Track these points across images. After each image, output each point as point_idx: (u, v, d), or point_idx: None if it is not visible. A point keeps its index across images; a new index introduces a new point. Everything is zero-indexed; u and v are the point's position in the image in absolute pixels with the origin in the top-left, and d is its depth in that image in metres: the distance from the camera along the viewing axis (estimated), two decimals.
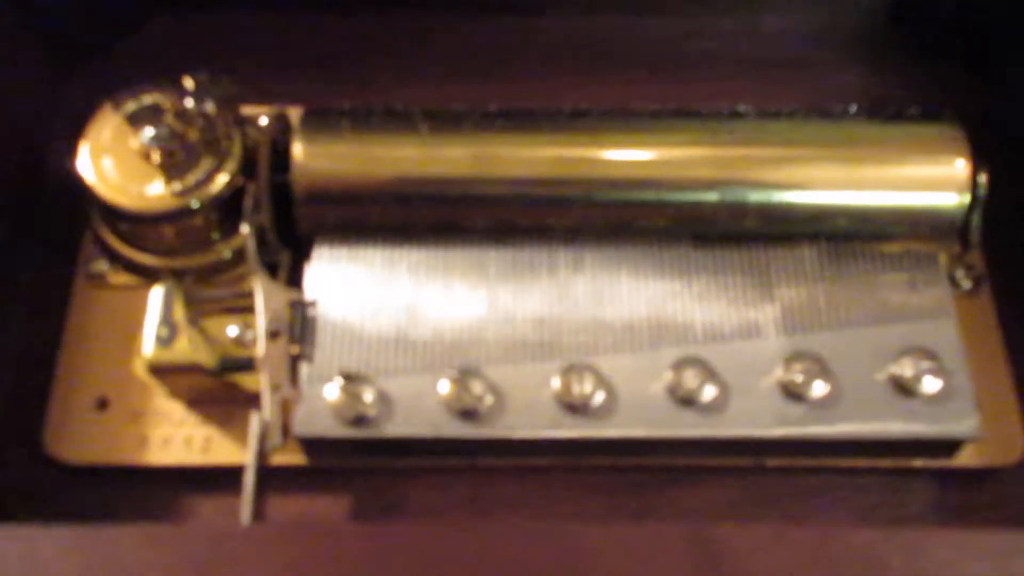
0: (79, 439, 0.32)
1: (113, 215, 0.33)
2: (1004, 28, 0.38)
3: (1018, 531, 0.24)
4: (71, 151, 0.35)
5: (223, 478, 0.32)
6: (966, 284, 0.35)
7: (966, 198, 0.33)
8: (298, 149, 0.33)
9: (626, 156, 0.33)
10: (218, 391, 0.32)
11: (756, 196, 0.33)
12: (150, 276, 0.34)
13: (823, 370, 0.31)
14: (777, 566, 0.23)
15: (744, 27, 0.41)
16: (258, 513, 0.30)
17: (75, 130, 0.36)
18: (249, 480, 0.29)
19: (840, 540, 0.24)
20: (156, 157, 0.32)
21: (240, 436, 0.32)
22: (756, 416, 0.31)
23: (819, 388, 0.31)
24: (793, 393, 0.31)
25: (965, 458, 0.32)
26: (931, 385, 0.31)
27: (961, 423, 0.31)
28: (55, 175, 0.37)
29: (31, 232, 0.36)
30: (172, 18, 0.41)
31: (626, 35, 0.41)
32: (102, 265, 0.34)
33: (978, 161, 0.33)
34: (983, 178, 0.33)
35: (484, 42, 0.41)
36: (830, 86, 0.40)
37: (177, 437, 0.32)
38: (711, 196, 0.33)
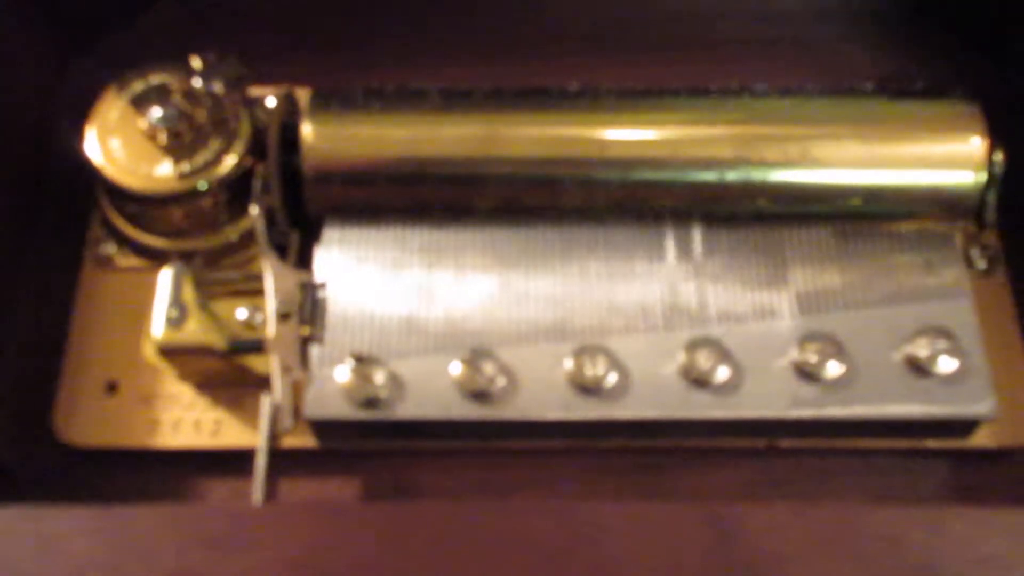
0: (89, 422, 0.32)
1: (121, 197, 0.33)
2: (1013, 6, 0.38)
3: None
4: (77, 133, 0.35)
5: (233, 461, 0.32)
6: (981, 264, 0.35)
7: (982, 176, 0.33)
8: (307, 130, 0.33)
9: (637, 135, 0.33)
10: (228, 373, 0.32)
11: (768, 175, 0.33)
12: (158, 258, 0.34)
13: (838, 351, 0.31)
14: (794, 545, 0.23)
15: (753, 5, 0.41)
16: (269, 495, 0.30)
17: (80, 111, 0.36)
18: (261, 462, 0.30)
19: (858, 518, 0.24)
20: (163, 138, 0.33)
21: (250, 419, 0.32)
22: (770, 397, 0.31)
23: (834, 369, 0.31)
24: (807, 374, 0.31)
25: (980, 438, 0.32)
26: (947, 365, 0.31)
27: (977, 403, 0.31)
28: (61, 157, 0.37)
29: (38, 214, 0.36)
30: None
31: (634, 14, 0.41)
32: (110, 248, 0.34)
33: (994, 139, 0.33)
34: (999, 156, 0.33)
35: (489, 21, 0.41)
36: (839, 64, 0.40)
37: (187, 420, 0.32)
38: (723, 175, 0.33)
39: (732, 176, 0.33)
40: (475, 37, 0.40)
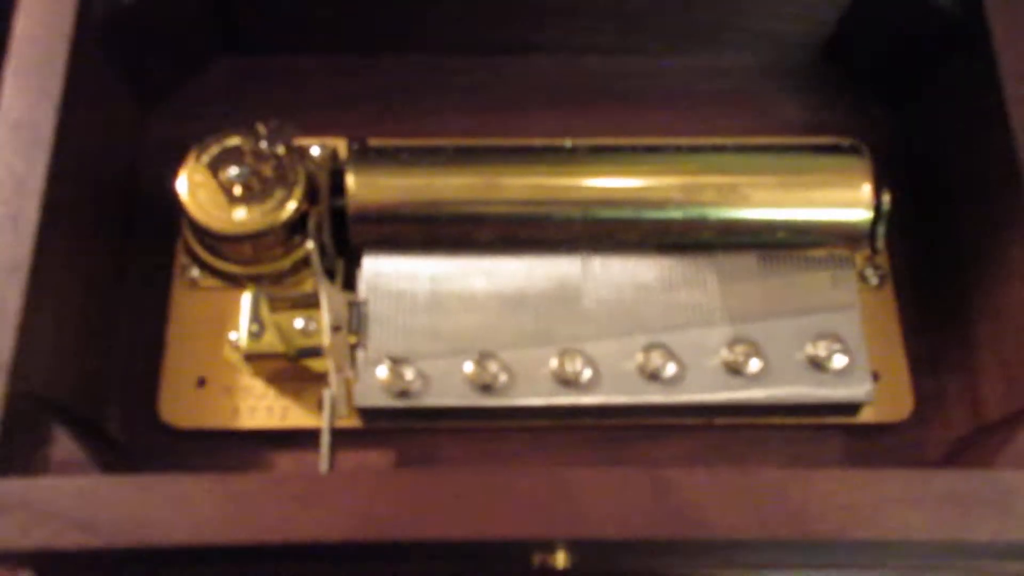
0: (185, 409, 0.40)
1: (204, 234, 0.41)
2: (913, 67, 0.45)
3: (879, 469, 0.33)
4: (160, 175, 0.42)
5: (296, 439, 0.40)
6: (874, 281, 0.43)
7: (871, 214, 0.41)
8: (351, 180, 0.41)
9: (608, 183, 0.41)
10: (291, 371, 0.40)
11: (710, 213, 0.41)
12: (232, 280, 0.42)
13: (758, 351, 0.39)
14: (709, 497, 0.31)
15: (700, 64, 0.48)
16: (331, 464, 0.38)
17: (162, 158, 0.43)
18: (325, 439, 0.37)
19: (754, 477, 0.32)
20: (239, 190, 0.41)
21: (309, 406, 0.40)
22: (707, 386, 0.39)
23: (754, 365, 0.39)
24: (734, 369, 0.39)
25: (867, 415, 0.40)
26: (838, 362, 0.39)
27: (859, 390, 0.39)
28: (149, 196, 0.44)
29: (131, 242, 0.44)
30: (229, 60, 0.48)
31: (601, 72, 0.47)
32: (195, 272, 0.43)
33: (881, 184, 0.41)
34: (886, 197, 0.41)
35: (487, 78, 0.47)
36: (772, 115, 0.47)
37: (260, 407, 0.40)
38: (675, 214, 0.41)
39: (681, 214, 0.41)
40: (476, 93, 0.47)
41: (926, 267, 0.44)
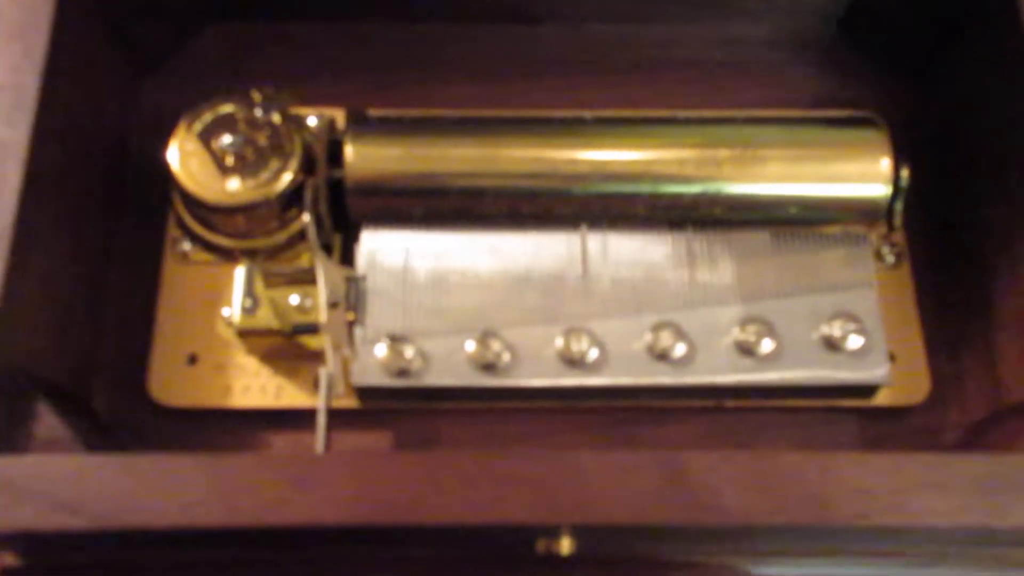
0: (175, 387, 0.39)
1: (196, 205, 0.40)
2: (933, 39, 0.44)
3: (903, 453, 0.32)
4: (152, 144, 0.41)
5: (291, 418, 0.39)
6: (890, 259, 0.42)
7: (889, 189, 0.40)
8: (349, 151, 0.39)
9: (616, 155, 0.40)
10: (286, 349, 0.39)
11: (723, 189, 0.40)
12: (224, 254, 0.41)
13: (770, 331, 0.38)
14: (724, 480, 0.30)
15: (713, 34, 0.46)
16: (327, 445, 0.37)
17: (153, 127, 0.42)
18: (321, 419, 0.36)
19: (771, 460, 0.31)
20: (232, 159, 0.39)
21: (304, 384, 0.39)
22: (717, 367, 0.38)
23: (767, 345, 0.38)
24: (746, 349, 0.38)
25: (882, 399, 0.39)
26: (854, 342, 0.38)
27: (875, 371, 0.38)
28: (139, 163, 0.43)
29: (121, 213, 0.42)
30: (223, 27, 0.46)
31: (611, 41, 0.46)
32: (186, 245, 0.41)
33: (900, 158, 0.40)
34: (905, 172, 0.40)
35: (491, 47, 0.46)
36: (786, 87, 0.45)
37: (254, 385, 0.39)
38: (686, 187, 0.40)
39: (692, 188, 0.40)
40: (477, 63, 0.46)
41: (943, 245, 0.43)
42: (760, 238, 0.40)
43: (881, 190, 0.40)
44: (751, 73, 0.46)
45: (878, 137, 0.40)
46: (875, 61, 0.46)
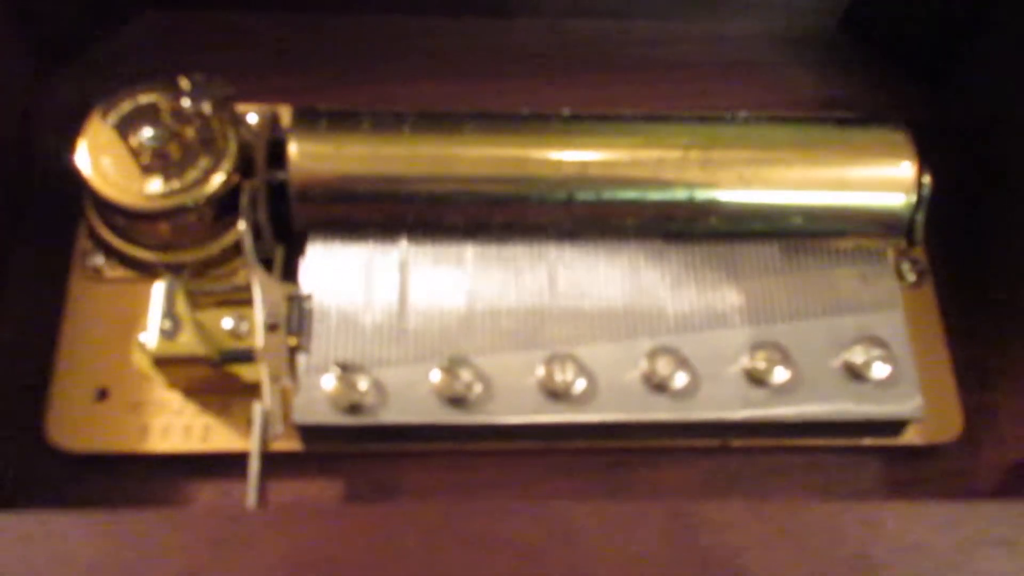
0: (80, 428, 0.33)
1: (110, 211, 0.34)
2: (947, 37, 0.41)
3: (959, 502, 0.27)
4: (61, 146, 0.36)
5: (221, 464, 0.33)
6: (911, 277, 0.38)
7: (912, 198, 0.36)
8: (293, 149, 0.34)
9: (600, 157, 0.35)
10: (216, 381, 0.33)
11: (719, 196, 0.35)
12: (145, 270, 0.35)
13: (784, 357, 0.34)
14: (747, 537, 0.26)
15: (709, 31, 0.43)
16: (261, 498, 0.31)
17: (65, 125, 0.36)
18: (254, 467, 0.31)
19: (803, 513, 0.26)
20: (153, 156, 0.34)
21: (237, 424, 0.34)
22: (723, 400, 0.33)
23: (780, 374, 0.34)
24: (756, 379, 0.34)
25: (910, 436, 0.35)
26: (880, 371, 0.34)
27: (906, 405, 0.34)
28: (46, 169, 0.37)
29: (22, 225, 0.37)
30: (157, 14, 0.42)
31: (592, 38, 0.43)
32: (98, 259, 0.35)
33: (923, 163, 0.36)
34: (927, 179, 0.36)
35: (459, 42, 0.42)
36: (784, 89, 0.42)
37: (176, 425, 0.34)
38: (682, 194, 0.35)
39: (689, 195, 0.35)
40: (443, 58, 0.42)
41: (969, 262, 0.39)
42: (768, 252, 0.36)
43: (904, 199, 0.36)
44: (744, 74, 0.43)
45: (899, 140, 0.36)
46: (881, 61, 0.43)
